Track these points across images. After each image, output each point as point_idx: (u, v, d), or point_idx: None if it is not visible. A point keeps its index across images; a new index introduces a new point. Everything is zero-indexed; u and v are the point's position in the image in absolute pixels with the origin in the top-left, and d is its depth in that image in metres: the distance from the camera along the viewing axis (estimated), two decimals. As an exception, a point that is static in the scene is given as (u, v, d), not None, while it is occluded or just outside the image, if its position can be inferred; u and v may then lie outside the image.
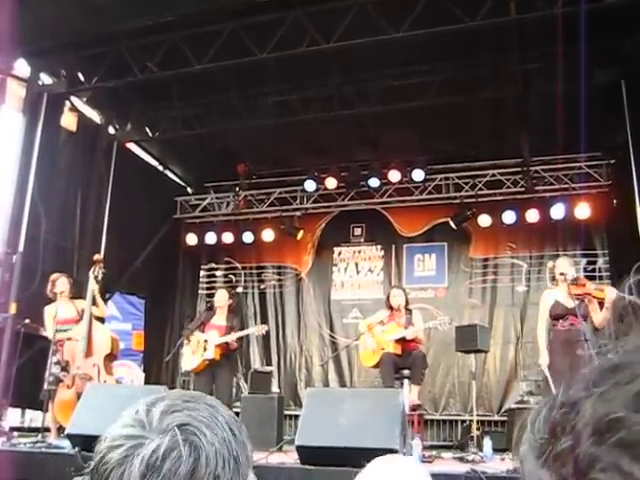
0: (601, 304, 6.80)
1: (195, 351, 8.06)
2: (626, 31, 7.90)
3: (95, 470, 0.92)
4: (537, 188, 10.97)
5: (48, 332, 7.56)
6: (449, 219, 11.27)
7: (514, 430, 8.89)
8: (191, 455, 0.89)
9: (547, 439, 0.61)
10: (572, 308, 6.83)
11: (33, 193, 9.00)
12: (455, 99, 9.29)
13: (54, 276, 7.88)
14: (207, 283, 12.96)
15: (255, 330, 8.96)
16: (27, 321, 7.85)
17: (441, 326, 8.17)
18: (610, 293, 6.79)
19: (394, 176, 11.25)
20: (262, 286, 12.62)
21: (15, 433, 7.63)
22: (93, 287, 7.81)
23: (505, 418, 9.92)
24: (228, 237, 12.41)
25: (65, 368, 7.40)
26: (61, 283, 7.79)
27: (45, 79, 9.55)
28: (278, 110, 10.06)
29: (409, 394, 7.64)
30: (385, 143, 11.00)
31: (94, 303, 7.89)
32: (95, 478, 0.92)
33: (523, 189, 11.00)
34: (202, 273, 13.09)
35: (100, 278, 7.91)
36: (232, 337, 7.98)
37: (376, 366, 8.01)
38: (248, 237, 12.27)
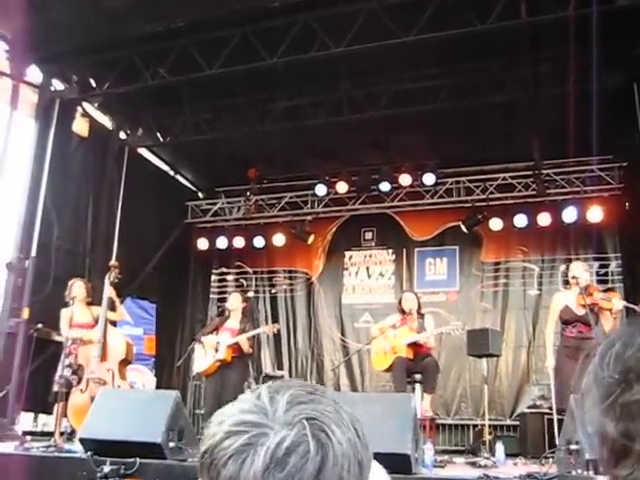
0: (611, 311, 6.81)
1: (207, 352, 8.06)
2: (637, 33, 7.86)
3: (209, 453, 0.87)
4: (549, 191, 10.91)
5: (63, 333, 7.57)
6: (460, 223, 11.25)
7: (527, 434, 8.87)
8: (318, 453, 0.83)
9: (617, 380, 0.56)
10: (581, 316, 6.81)
11: (45, 199, 9.06)
12: (466, 102, 9.27)
13: (71, 281, 7.92)
14: (218, 287, 12.97)
15: (266, 329, 8.87)
16: (40, 326, 7.89)
17: (454, 332, 8.14)
18: (617, 304, 6.79)
19: (405, 180, 11.25)
20: (273, 290, 12.64)
21: (28, 437, 7.66)
22: (110, 292, 7.82)
23: (517, 423, 9.91)
24: (239, 242, 12.43)
25: (76, 372, 7.41)
26: (77, 287, 7.81)
27: (57, 85, 9.63)
28: (288, 115, 10.08)
29: (421, 402, 7.61)
30: (395, 147, 11.00)
31: (112, 308, 7.91)
32: (208, 461, 0.87)
33: (534, 192, 10.94)
34: (213, 278, 13.11)
35: (116, 283, 7.93)
36: (243, 337, 7.96)
37: (388, 370, 8.00)
38: (259, 242, 12.30)
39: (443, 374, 9.48)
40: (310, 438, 0.83)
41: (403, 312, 8.02)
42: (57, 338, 7.87)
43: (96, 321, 7.71)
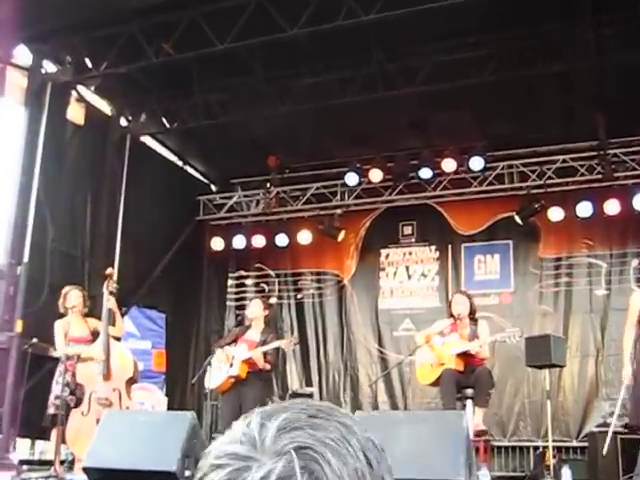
0: None
1: (222, 367, 8.05)
2: None
3: None
4: (617, 175, 10.78)
5: (58, 347, 7.62)
6: (514, 213, 11.17)
7: (597, 458, 8.77)
8: None
9: None
10: None
11: (38, 196, 9.12)
12: (517, 74, 9.20)
13: (66, 289, 7.97)
14: (236, 293, 13.02)
15: (283, 343, 8.44)
16: (35, 340, 7.93)
17: (510, 339, 8.05)
18: None
19: (448, 165, 11.17)
20: (299, 295, 12.65)
21: (25, 467, 7.73)
22: (109, 303, 7.86)
23: (585, 444, 9.80)
24: (259, 240, 12.45)
25: (74, 392, 7.46)
26: (73, 297, 7.86)
27: (48, 67, 9.67)
28: (313, 93, 10.06)
29: (473, 417, 7.57)
30: (437, 128, 10.93)
31: (112, 322, 7.94)
32: None
33: (600, 176, 10.82)
34: (230, 282, 13.15)
35: (114, 292, 7.96)
36: (257, 351, 7.90)
37: (434, 384, 7.96)
38: (282, 240, 12.29)
39: (498, 389, 9.40)
40: (298, 471, 0.78)
41: (453, 317, 7.99)
42: (54, 354, 7.92)
43: (93, 335, 7.77)
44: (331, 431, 0.83)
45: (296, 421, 0.84)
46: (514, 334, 8.07)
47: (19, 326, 8.44)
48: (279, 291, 12.75)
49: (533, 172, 11.23)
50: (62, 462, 7.27)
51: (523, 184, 11.27)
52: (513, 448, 10.69)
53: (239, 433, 0.85)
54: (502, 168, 11.40)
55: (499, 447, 10.47)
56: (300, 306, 12.63)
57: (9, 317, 8.51)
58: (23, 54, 9.41)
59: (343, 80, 9.93)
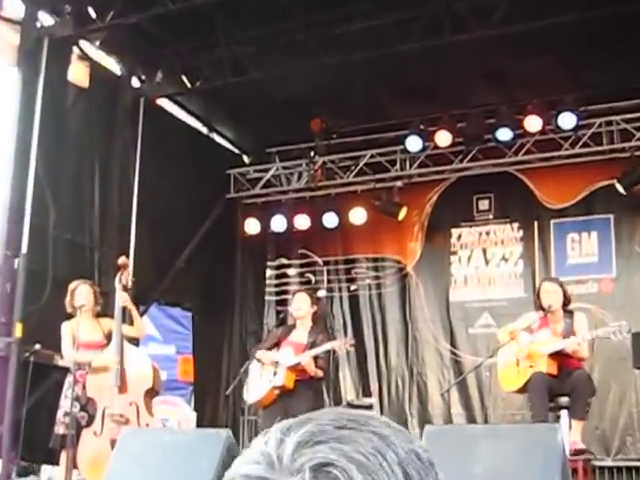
0: None
1: (263, 375, 8.06)
2: None
3: None
4: None
5: (65, 354, 7.69)
6: (615, 181, 11.04)
7: None
8: None
9: None
10: None
11: (37, 173, 9.20)
12: (615, 9, 9.04)
13: (73, 284, 8.02)
14: (276, 286, 13.07)
15: (336, 345, 8.37)
16: (37, 347, 8.01)
17: (615, 335, 7.93)
18: None
19: (532, 124, 11.11)
20: (353, 287, 12.68)
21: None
22: (123, 299, 7.90)
23: None
24: (302, 221, 12.49)
25: (85, 407, 7.52)
26: (82, 293, 7.90)
27: (45, 19, 9.74)
28: (365, 41, 9.99)
29: (569, 432, 7.49)
30: (517, 78, 10.88)
31: (130, 321, 7.99)
32: None
33: None
34: (269, 272, 13.24)
35: (130, 287, 8.01)
36: (305, 356, 7.88)
37: (521, 391, 7.92)
38: (330, 220, 12.31)
39: (599, 396, 9.30)
40: None
41: (543, 309, 7.90)
42: (61, 363, 8.00)
43: (108, 338, 7.81)
44: (361, 444, 0.83)
45: (320, 434, 0.84)
46: (620, 329, 7.93)
47: (19, 330, 8.54)
48: (328, 282, 12.78)
49: (638, 130, 11.08)
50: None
51: (626, 144, 11.14)
52: (619, 469, 10.60)
53: (256, 452, 0.87)
54: (599, 126, 11.26)
55: (602, 467, 10.36)
56: (354, 300, 12.65)
57: (6, 319, 8.62)
58: (14, 4, 9.47)
59: (401, 23, 9.84)
